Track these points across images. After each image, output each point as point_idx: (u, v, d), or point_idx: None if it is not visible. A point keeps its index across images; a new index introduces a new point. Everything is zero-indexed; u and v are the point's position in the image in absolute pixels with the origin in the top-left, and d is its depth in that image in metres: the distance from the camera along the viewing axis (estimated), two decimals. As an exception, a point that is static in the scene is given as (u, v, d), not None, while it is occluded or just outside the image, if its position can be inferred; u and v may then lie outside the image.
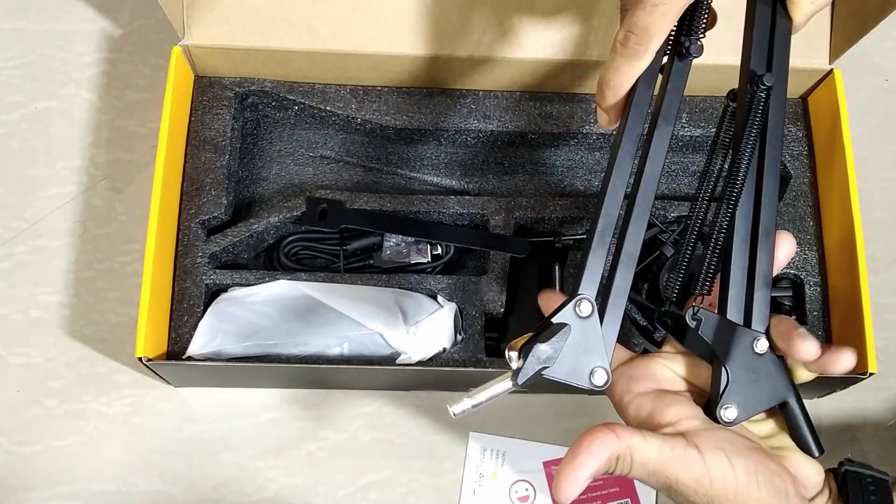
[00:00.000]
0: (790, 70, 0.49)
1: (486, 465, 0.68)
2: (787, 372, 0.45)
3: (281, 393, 0.69)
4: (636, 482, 0.67)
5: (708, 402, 0.45)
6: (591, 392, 0.43)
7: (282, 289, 0.64)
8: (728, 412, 0.43)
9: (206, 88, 0.69)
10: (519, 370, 0.41)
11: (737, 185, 0.45)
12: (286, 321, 0.63)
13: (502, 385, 0.43)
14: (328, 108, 0.69)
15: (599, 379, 0.42)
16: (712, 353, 0.45)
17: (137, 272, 0.68)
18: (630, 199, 0.46)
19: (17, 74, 0.76)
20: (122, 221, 0.73)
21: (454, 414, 0.44)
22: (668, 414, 0.43)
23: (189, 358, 0.62)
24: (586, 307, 0.43)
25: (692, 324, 0.44)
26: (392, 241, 0.68)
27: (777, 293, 0.67)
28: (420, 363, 0.62)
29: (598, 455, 0.40)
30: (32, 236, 0.72)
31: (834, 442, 0.69)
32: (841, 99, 0.66)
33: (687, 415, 0.43)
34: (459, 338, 0.64)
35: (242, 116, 0.70)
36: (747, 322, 0.45)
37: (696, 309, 0.45)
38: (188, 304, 0.64)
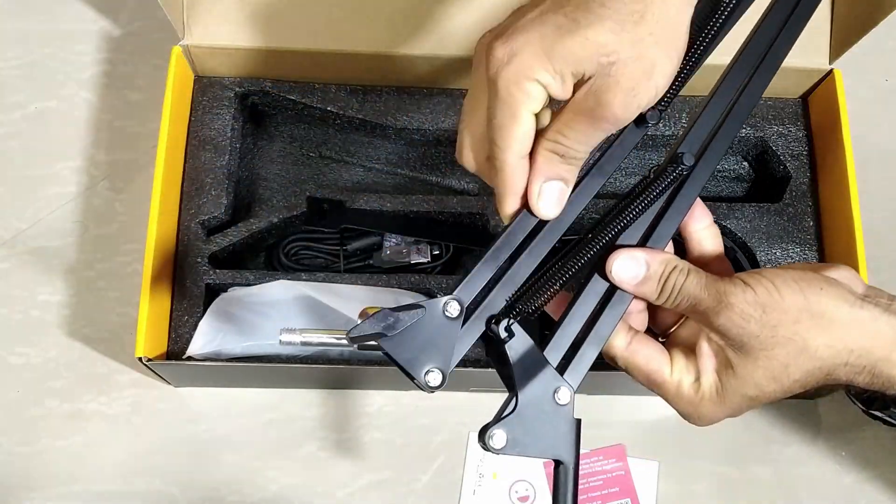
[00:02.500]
0: (791, 70, 0.49)
1: (486, 465, 0.68)
2: (578, 436, 0.41)
3: (281, 393, 0.69)
4: (635, 482, 0.67)
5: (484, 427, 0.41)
6: (420, 387, 0.40)
7: (282, 289, 0.64)
8: (496, 438, 0.39)
9: (206, 88, 0.69)
10: (355, 326, 0.40)
11: (597, 240, 0.43)
12: (286, 321, 0.63)
13: (335, 336, 0.43)
14: (328, 108, 0.69)
15: (434, 380, 0.39)
16: (510, 374, 0.41)
17: (137, 272, 0.68)
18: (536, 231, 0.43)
19: (17, 74, 0.76)
20: (123, 221, 0.73)
21: (280, 340, 0.43)
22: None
23: (189, 358, 0.62)
24: (454, 308, 0.41)
25: (502, 334, 0.41)
26: (392, 241, 0.68)
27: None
28: (420, 363, 0.62)
29: (657, 255, 0.41)
30: (33, 236, 0.72)
31: (834, 441, 0.69)
32: (841, 99, 0.66)
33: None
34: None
35: (242, 116, 0.70)
36: (561, 369, 0.42)
37: (510, 321, 0.41)
38: (188, 304, 0.64)
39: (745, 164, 0.73)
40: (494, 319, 0.41)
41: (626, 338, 0.43)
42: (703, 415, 0.43)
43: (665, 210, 0.44)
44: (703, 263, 0.45)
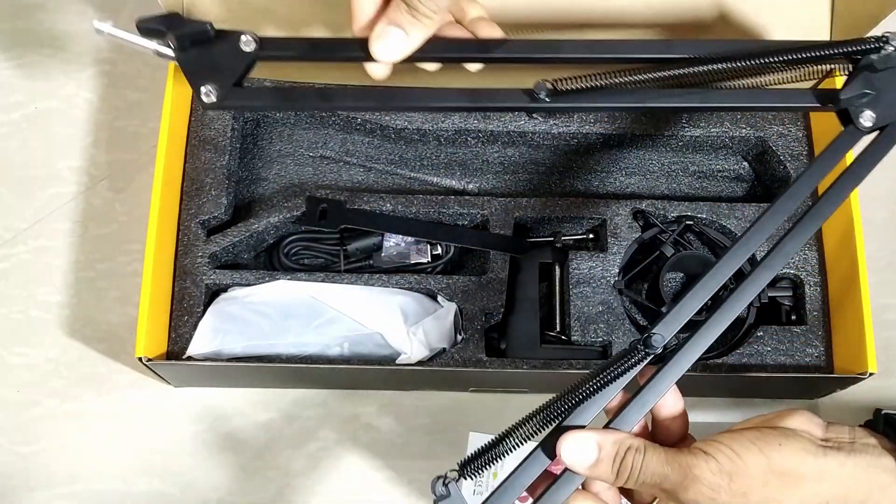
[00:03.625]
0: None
1: (486, 465, 0.68)
2: None
3: (281, 393, 0.69)
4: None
5: None
6: (198, 102, 0.46)
7: (282, 289, 0.64)
8: None
9: (206, 88, 0.69)
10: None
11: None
12: (286, 321, 0.63)
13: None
14: (328, 108, 0.69)
15: (207, 97, 0.45)
16: None
17: (137, 272, 0.68)
18: None
19: (17, 74, 0.76)
20: (122, 221, 0.73)
21: (97, 29, 0.48)
22: None
23: (189, 358, 0.62)
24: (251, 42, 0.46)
25: (439, 491, 0.41)
26: (392, 241, 0.68)
27: (777, 293, 0.67)
28: (420, 363, 0.62)
29: (610, 436, 0.40)
30: (33, 236, 0.72)
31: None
32: (841, 99, 0.66)
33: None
34: (459, 338, 0.64)
35: (242, 116, 0.70)
36: None
37: (446, 480, 0.41)
38: (188, 304, 0.64)
39: (745, 164, 0.73)
40: (442, 479, 0.41)
41: None
42: None
43: (637, 393, 0.43)
44: (665, 426, 0.44)
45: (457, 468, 0.41)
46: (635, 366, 0.42)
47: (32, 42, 0.77)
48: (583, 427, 0.42)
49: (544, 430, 0.42)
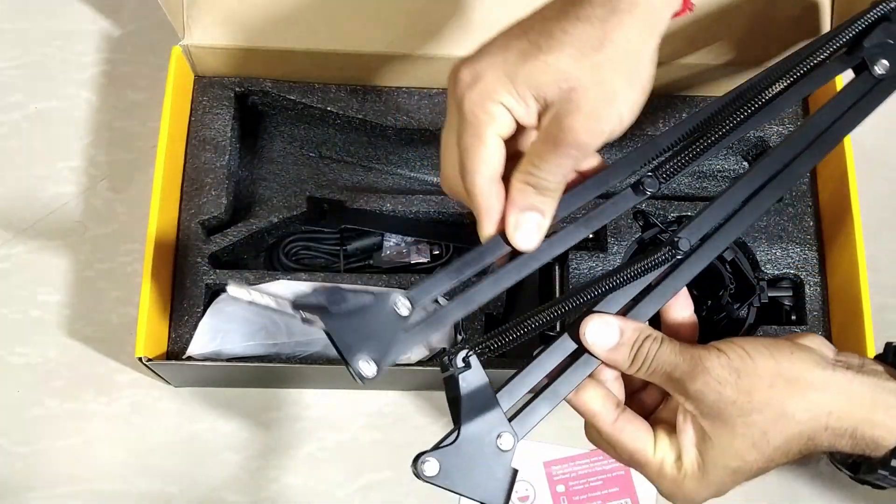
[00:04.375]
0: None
1: (486, 465, 0.68)
2: (511, 486, 0.40)
3: (281, 393, 0.69)
4: (635, 482, 0.67)
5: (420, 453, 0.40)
6: (352, 375, 0.39)
7: (282, 289, 0.64)
8: (429, 466, 0.39)
9: (206, 88, 0.69)
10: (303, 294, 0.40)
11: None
12: (286, 321, 0.63)
13: (279, 299, 0.44)
14: (328, 108, 0.69)
15: (367, 370, 0.38)
16: (457, 406, 0.40)
17: (137, 272, 0.68)
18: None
19: (17, 74, 0.76)
20: (123, 221, 0.73)
21: (228, 291, 0.45)
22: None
23: (189, 358, 0.62)
24: (404, 306, 0.40)
25: (457, 364, 0.40)
26: (392, 241, 0.68)
27: (777, 293, 0.67)
28: (420, 363, 0.62)
29: (631, 323, 0.41)
30: (33, 236, 0.72)
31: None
32: (841, 99, 0.66)
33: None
34: (459, 338, 0.64)
35: (242, 116, 0.70)
36: (511, 415, 0.41)
37: (468, 353, 0.40)
38: (188, 304, 0.64)
39: (745, 164, 0.73)
40: (454, 349, 0.41)
41: (613, 413, 0.43)
42: (686, 494, 0.42)
43: (650, 290, 0.44)
44: (675, 330, 0.45)
45: (467, 346, 0.41)
46: (660, 265, 0.43)
47: (32, 42, 0.77)
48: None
49: (569, 315, 0.42)
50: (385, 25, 0.66)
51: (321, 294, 0.39)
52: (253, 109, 0.71)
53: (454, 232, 0.68)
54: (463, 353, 0.40)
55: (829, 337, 0.65)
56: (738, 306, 0.63)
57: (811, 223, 0.68)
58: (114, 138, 0.75)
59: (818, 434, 0.40)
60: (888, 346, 0.45)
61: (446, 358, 0.41)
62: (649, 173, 0.44)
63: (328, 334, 0.39)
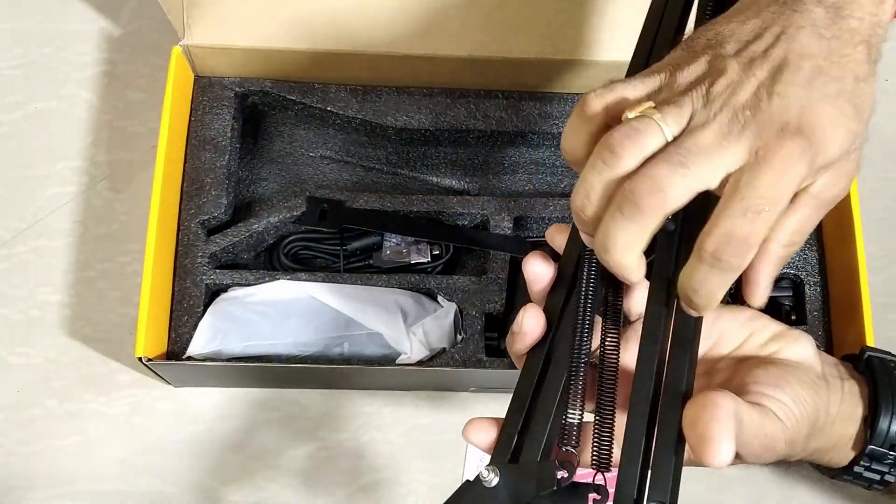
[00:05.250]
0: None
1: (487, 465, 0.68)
2: None
3: (281, 393, 0.69)
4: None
5: None
6: None
7: (282, 289, 0.64)
8: None
9: (206, 88, 0.69)
10: None
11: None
12: (286, 321, 0.63)
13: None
14: (328, 108, 0.69)
15: None
16: None
17: (137, 272, 0.68)
18: None
19: (17, 74, 0.76)
20: (123, 221, 0.73)
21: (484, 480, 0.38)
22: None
23: (189, 358, 0.62)
24: (491, 477, 0.37)
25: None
26: (392, 241, 0.68)
27: (777, 293, 0.67)
28: (420, 363, 0.62)
29: (729, 418, 0.35)
30: (32, 236, 0.72)
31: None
32: (841, 99, 0.66)
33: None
34: (459, 338, 0.64)
35: (242, 116, 0.70)
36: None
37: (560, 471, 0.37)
38: (188, 304, 0.64)
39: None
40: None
41: None
42: None
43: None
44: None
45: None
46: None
47: (32, 42, 0.77)
48: None
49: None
50: (385, 25, 0.66)
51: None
52: (253, 109, 0.71)
53: (454, 232, 0.68)
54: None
55: (828, 337, 0.65)
56: (737, 306, 0.63)
57: (811, 223, 0.68)
58: (114, 138, 0.75)
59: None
60: (863, 352, 0.46)
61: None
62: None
63: None
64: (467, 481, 0.38)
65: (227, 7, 0.65)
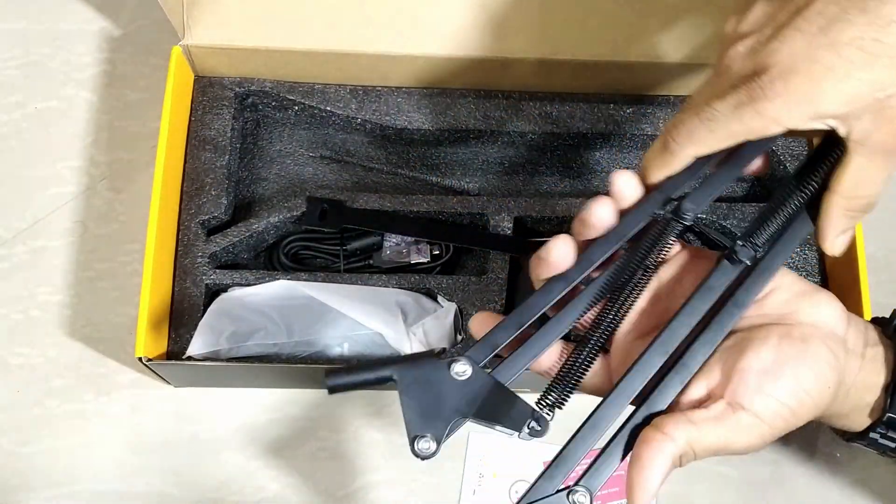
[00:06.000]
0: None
1: (486, 464, 0.68)
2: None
3: (281, 393, 0.69)
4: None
5: None
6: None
7: (282, 289, 0.64)
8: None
9: (206, 88, 0.69)
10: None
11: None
12: (286, 321, 0.63)
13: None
14: (328, 108, 0.69)
15: (426, 448, 0.40)
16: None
17: (137, 272, 0.68)
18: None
19: (17, 74, 0.76)
20: (123, 221, 0.73)
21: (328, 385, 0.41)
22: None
23: (189, 358, 0.62)
24: (463, 368, 0.39)
25: (533, 428, 0.39)
26: (392, 241, 0.68)
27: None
28: (420, 363, 0.62)
29: (661, 465, 0.37)
30: (32, 236, 0.72)
31: (832, 444, 0.69)
32: (841, 99, 0.66)
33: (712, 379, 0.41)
34: (459, 338, 0.64)
35: (242, 116, 0.70)
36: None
37: (539, 418, 0.39)
38: (188, 304, 0.64)
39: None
40: (534, 417, 0.40)
41: None
42: None
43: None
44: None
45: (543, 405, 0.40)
46: (661, 241, 0.42)
47: (32, 42, 0.77)
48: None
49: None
50: (385, 25, 0.66)
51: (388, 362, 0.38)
52: (253, 109, 0.71)
53: (454, 232, 0.68)
54: (534, 421, 0.39)
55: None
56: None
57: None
58: (114, 138, 0.75)
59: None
60: (894, 317, 0.44)
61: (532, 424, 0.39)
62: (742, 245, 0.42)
63: (404, 411, 0.40)
64: (433, 354, 0.39)
65: (227, 7, 0.65)
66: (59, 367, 0.69)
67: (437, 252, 0.68)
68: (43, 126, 0.75)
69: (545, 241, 0.64)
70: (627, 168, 0.64)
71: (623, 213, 0.42)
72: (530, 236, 0.69)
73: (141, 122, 0.75)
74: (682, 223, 0.42)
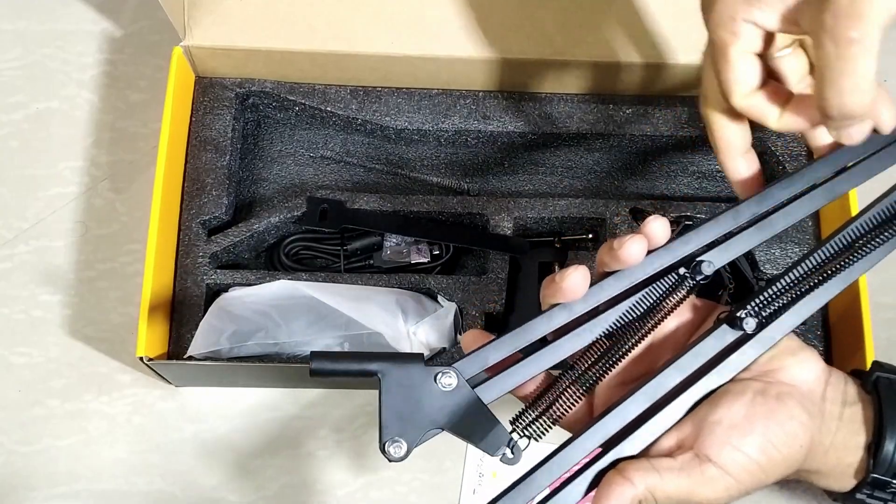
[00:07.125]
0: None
1: (487, 464, 0.68)
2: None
3: (281, 393, 0.69)
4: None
5: None
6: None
7: (282, 289, 0.64)
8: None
9: (206, 89, 0.69)
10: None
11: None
12: (286, 321, 0.63)
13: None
14: (328, 108, 0.69)
15: (396, 451, 0.39)
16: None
17: (138, 272, 0.69)
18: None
19: (18, 75, 0.77)
20: (124, 222, 0.73)
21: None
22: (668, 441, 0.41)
23: (189, 358, 0.62)
24: (450, 381, 0.39)
25: (509, 456, 0.40)
26: (392, 241, 0.68)
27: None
28: (420, 363, 0.62)
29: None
30: (34, 236, 0.72)
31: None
32: (840, 99, 0.66)
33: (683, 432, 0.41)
34: (459, 338, 0.64)
35: (243, 117, 0.71)
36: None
37: (513, 443, 0.40)
38: (189, 303, 0.64)
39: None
40: (509, 444, 0.40)
41: None
42: None
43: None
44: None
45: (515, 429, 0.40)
46: (674, 296, 0.42)
47: (33, 42, 0.77)
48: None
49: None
50: (385, 25, 0.66)
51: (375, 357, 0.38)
52: (254, 110, 0.72)
53: (454, 232, 0.68)
54: (509, 448, 0.40)
55: (827, 336, 0.65)
56: (737, 306, 0.63)
57: (810, 223, 0.68)
58: (115, 139, 0.75)
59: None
60: (872, 371, 0.44)
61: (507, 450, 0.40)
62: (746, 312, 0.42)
63: (381, 411, 0.38)
64: (421, 358, 0.39)
65: (227, 8, 0.65)
66: (60, 366, 0.69)
67: (437, 252, 0.68)
68: (44, 126, 0.75)
69: (545, 241, 0.64)
70: (627, 168, 0.64)
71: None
72: (530, 237, 0.69)
73: (142, 122, 0.75)
74: (697, 281, 0.42)
